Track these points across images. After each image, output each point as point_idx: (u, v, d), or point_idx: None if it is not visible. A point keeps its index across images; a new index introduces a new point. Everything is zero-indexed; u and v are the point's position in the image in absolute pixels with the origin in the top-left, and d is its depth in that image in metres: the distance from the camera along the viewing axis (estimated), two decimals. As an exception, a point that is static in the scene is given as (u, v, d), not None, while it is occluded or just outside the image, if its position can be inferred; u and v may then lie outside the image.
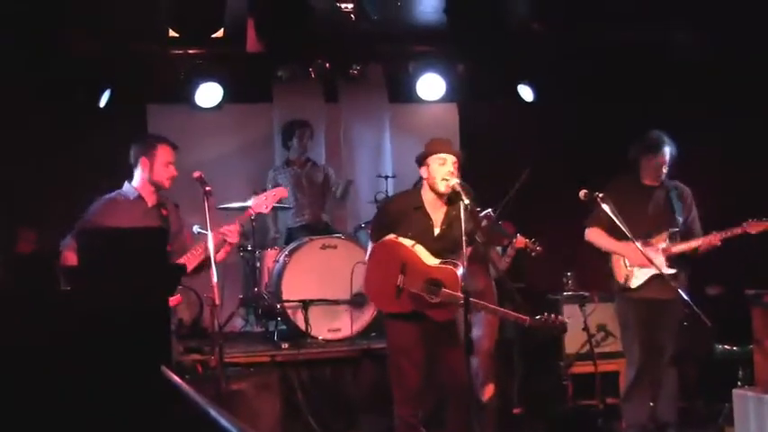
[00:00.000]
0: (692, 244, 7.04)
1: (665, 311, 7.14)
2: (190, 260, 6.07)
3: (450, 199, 6.18)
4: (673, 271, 7.02)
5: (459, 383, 5.99)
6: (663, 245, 7.09)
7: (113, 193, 6.28)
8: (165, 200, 6.37)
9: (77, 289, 3.54)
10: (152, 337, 3.27)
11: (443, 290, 6.00)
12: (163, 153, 6.25)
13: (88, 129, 8.94)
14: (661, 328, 7.19)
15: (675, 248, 7.03)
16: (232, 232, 6.20)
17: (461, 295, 5.79)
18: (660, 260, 6.98)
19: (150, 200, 6.27)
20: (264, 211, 6.55)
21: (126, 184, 6.29)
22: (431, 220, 6.26)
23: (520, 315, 6.03)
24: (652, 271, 6.94)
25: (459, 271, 5.90)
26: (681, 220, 7.19)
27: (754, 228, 6.97)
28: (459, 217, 5.84)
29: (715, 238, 7.00)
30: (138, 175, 6.27)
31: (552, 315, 5.99)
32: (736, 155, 9.02)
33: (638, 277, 7.14)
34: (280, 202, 7.11)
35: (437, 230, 6.25)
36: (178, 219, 6.47)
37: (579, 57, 9.22)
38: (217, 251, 6.11)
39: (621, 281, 7.19)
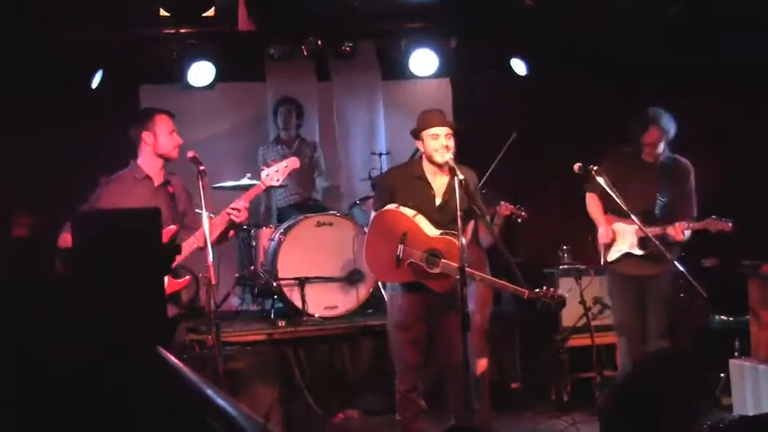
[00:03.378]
0: (656, 231, 6.98)
1: (649, 286, 7.19)
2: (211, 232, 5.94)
3: (452, 169, 6.16)
4: (641, 252, 7.07)
5: (457, 359, 6.01)
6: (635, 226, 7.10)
7: (120, 173, 6.12)
8: (170, 177, 6.18)
9: (71, 271, 3.54)
10: (147, 318, 3.27)
11: (442, 261, 6.02)
12: (162, 122, 6.08)
13: (81, 110, 8.91)
14: (647, 303, 7.22)
15: (647, 231, 6.99)
16: (240, 211, 6.04)
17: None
18: (632, 240, 7.06)
19: (158, 178, 6.09)
20: (276, 184, 6.32)
21: (132, 164, 6.11)
22: (432, 189, 6.25)
23: (518, 287, 6.03)
24: (625, 248, 7.15)
25: (460, 242, 5.89)
26: (663, 201, 7.18)
27: (712, 225, 6.99)
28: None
29: (678, 230, 6.99)
30: (144, 151, 6.08)
31: (551, 289, 5.99)
32: (735, 126, 9.02)
33: (613, 252, 7.24)
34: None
35: (438, 200, 6.24)
36: (185, 196, 6.28)
37: (572, 30, 9.20)
38: (226, 231, 6.08)
39: (601, 252, 7.30)
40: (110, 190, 6.02)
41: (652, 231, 6.86)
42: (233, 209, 6.03)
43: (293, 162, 6.41)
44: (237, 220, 6.07)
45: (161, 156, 6.08)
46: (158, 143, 6.05)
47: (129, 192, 5.98)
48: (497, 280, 6.31)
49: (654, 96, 7.45)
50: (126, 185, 6.03)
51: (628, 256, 7.16)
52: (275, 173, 6.26)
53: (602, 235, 7.19)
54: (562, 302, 6.06)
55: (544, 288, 5.99)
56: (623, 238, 7.17)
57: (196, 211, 6.15)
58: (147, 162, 6.09)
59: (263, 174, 6.30)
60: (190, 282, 6.07)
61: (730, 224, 6.95)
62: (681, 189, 7.23)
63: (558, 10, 9.05)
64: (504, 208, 7.51)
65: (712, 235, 7.10)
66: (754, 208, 8.15)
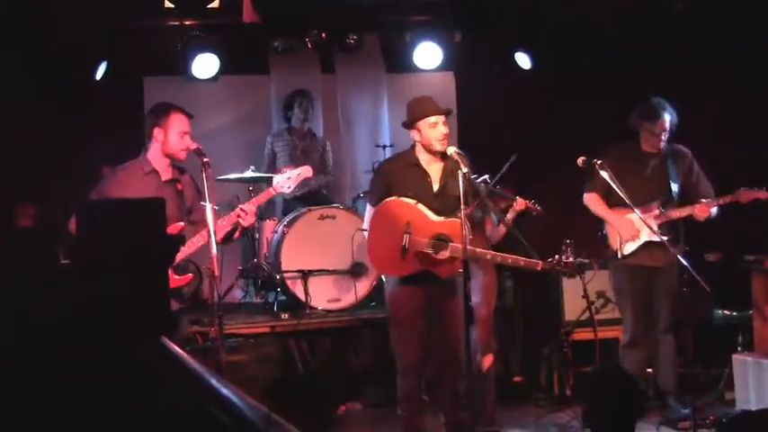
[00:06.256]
0: (684, 211, 7.01)
1: (657, 279, 7.20)
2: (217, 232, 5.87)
3: (445, 155, 6.13)
4: (664, 238, 7.06)
5: (457, 354, 6.00)
6: (656, 212, 7.10)
7: (127, 164, 6.06)
8: (180, 174, 6.12)
9: (74, 261, 3.53)
10: (150, 309, 3.26)
11: (451, 244, 5.98)
12: (176, 121, 5.97)
13: (85, 102, 8.91)
14: (654, 296, 7.25)
15: (669, 215, 7.01)
16: (248, 214, 6.01)
17: (471, 248, 5.78)
18: (654, 227, 7.04)
19: (165, 174, 6.02)
20: (287, 191, 6.34)
21: (140, 155, 6.04)
22: (428, 176, 6.21)
23: (531, 260, 6.01)
24: (644, 239, 7.10)
25: (463, 229, 5.85)
26: (676, 186, 7.19)
27: (744, 196, 6.99)
28: (455, 173, 5.82)
29: (707, 206, 7.01)
30: (152, 146, 6.00)
31: (563, 257, 5.95)
32: (736, 121, 9.02)
33: (630, 245, 7.22)
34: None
35: (436, 186, 6.20)
36: (193, 192, 6.21)
37: (576, 23, 9.18)
38: (232, 231, 6.06)
39: (615, 248, 7.27)
40: (116, 180, 5.96)
41: (678, 213, 6.87)
42: (241, 209, 6.00)
43: (306, 171, 6.43)
44: (245, 223, 6.05)
45: (167, 155, 6.01)
46: (167, 142, 5.97)
47: (135, 183, 5.90)
48: (509, 255, 6.26)
49: (660, 89, 7.43)
50: (132, 177, 5.96)
51: (646, 246, 7.14)
52: (287, 180, 6.26)
53: (628, 230, 7.15)
54: (579, 269, 6.04)
55: (557, 257, 5.96)
56: (641, 229, 7.13)
57: (201, 203, 6.12)
58: (155, 157, 6.01)
59: (275, 180, 6.29)
60: (192, 279, 6.05)
61: (765, 191, 6.95)
62: (689, 174, 7.24)
63: (561, 4, 9.04)
64: (520, 203, 7.50)
65: (715, 228, 7.11)
66: (757, 203, 8.13)
